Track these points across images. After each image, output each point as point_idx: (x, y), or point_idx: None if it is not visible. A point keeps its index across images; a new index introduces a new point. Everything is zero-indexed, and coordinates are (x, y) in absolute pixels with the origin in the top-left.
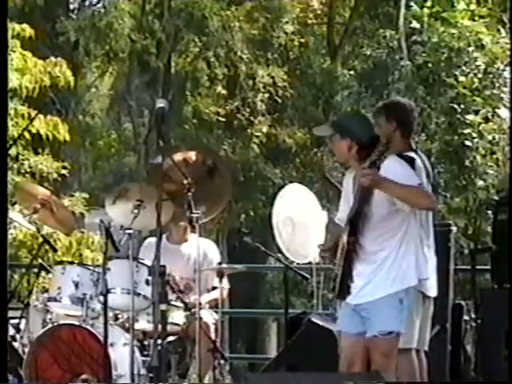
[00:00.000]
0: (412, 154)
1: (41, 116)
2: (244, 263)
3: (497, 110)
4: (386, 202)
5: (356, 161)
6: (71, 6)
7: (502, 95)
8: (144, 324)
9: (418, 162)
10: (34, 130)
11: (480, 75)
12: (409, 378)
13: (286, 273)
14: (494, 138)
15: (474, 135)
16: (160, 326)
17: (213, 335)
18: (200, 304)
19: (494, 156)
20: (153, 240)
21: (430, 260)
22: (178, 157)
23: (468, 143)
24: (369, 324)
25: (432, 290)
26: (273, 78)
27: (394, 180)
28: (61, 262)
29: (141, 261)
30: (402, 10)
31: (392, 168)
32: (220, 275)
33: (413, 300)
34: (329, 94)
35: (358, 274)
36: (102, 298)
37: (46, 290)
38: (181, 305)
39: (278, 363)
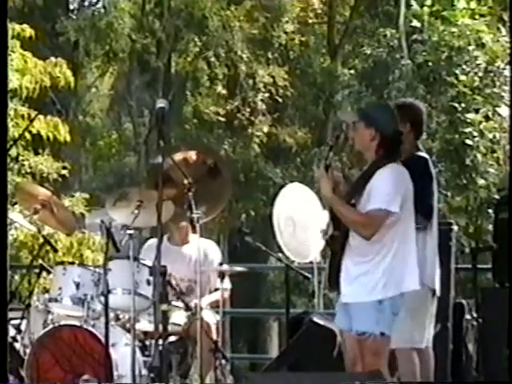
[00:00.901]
0: (424, 155)
1: (41, 116)
2: (245, 263)
3: (497, 109)
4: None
5: (374, 152)
6: (71, 6)
7: (503, 94)
8: (145, 324)
9: (430, 162)
10: (34, 131)
11: (480, 74)
12: (412, 378)
13: (287, 272)
14: (494, 137)
15: (475, 134)
16: (161, 327)
17: (214, 335)
18: (201, 308)
19: (495, 155)
20: (153, 242)
21: (433, 259)
22: (178, 157)
23: (469, 142)
24: (352, 323)
25: (438, 289)
26: (273, 77)
27: (371, 192)
28: (61, 263)
29: (142, 261)
30: (402, 9)
31: (381, 179)
32: (221, 276)
33: (412, 299)
34: (329, 94)
35: (345, 273)
36: (102, 299)
37: (47, 291)
38: (182, 305)
39: (279, 363)
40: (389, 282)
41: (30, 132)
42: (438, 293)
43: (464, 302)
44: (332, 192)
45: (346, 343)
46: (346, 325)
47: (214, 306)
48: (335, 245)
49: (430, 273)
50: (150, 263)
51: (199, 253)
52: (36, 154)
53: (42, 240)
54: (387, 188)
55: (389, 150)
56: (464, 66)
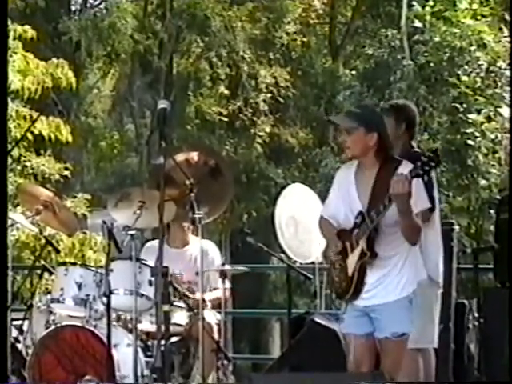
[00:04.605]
0: (418, 151)
1: (43, 117)
2: (247, 263)
3: (499, 109)
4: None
5: (374, 157)
6: (73, 8)
7: (505, 94)
8: (147, 325)
9: None
10: (36, 132)
11: (482, 74)
12: (428, 378)
13: (288, 273)
14: (496, 137)
15: (477, 134)
16: (163, 327)
17: (216, 335)
18: (204, 301)
19: (497, 155)
20: (152, 244)
21: (435, 252)
22: (180, 157)
23: (470, 142)
24: (378, 325)
25: (441, 283)
26: (275, 77)
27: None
28: (63, 263)
29: (143, 261)
30: (404, 10)
31: (418, 186)
32: (223, 276)
33: (427, 298)
34: (331, 94)
35: (369, 277)
36: (104, 299)
37: (49, 292)
38: (184, 305)
39: (281, 363)
40: (413, 275)
41: (31, 133)
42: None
43: (466, 302)
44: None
45: (354, 346)
46: (364, 328)
47: (216, 304)
48: (366, 259)
49: (433, 266)
50: (151, 264)
51: (200, 254)
52: (38, 154)
53: (43, 241)
54: (415, 188)
55: (388, 153)
56: (466, 67)
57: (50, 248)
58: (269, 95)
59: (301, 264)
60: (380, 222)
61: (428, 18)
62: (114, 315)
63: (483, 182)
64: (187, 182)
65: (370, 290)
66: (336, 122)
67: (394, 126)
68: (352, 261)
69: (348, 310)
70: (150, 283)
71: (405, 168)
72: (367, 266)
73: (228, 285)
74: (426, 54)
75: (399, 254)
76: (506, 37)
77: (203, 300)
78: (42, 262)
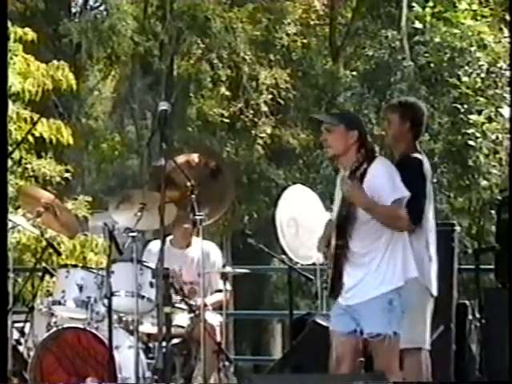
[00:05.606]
0: (418, 156)
1: (44, 119)
2: (248, 264)
3: (500, 110)
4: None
5: (354, 154)
6: (73, 10)
7: (505, 95)
8: (148, 326)
9: (425, 164)
10: (37, 134)
11: (483, 75)
12: (417, 378)
13: (290, 274)
14: (497, 138)
15: (478, 135)
16: (164, 329)
17: (217, 337)
18: (205, 305)
19: (498, 155)
20: (153, 246)
21: (431, 259)
22: (180, 159)
23: (471, 143)
24: (359, 325)
25: (435, 289)
26: (276, 79)
27: (378, 188)
28: (65, 266)
29: (144, 263)
30: (404, 11)
31: (379, 174)
32: (224, 278)
33: (410, 299)
34: (331, 95)
35: (348, 276)
36: (106, 301)
37: (51, 294)
38: (185, 307)
39: (282, 364)
40: (394, 272)
41: (32, 135)
42: (434, 293)
43: (467, 302)
44: (366, 196)
45: (336, 344)
46: (347, 327)
47: (217, 307)
48: (340, 253)
49: (425, 276)
50: (152, 265)
51: (201, 255)
52: (39, 157)
53: (45, 243)
54: (388, 178)
55: (368, 149)
56: (466, 68)
57: (51, 250)
58: (269, 96)
59: (302, 265)
60: (354, 217)
61: (428, 18)
62: (115, 317)
63: (484, 183)
64: (188, 184)
65: (349, 290)
66: (318, 118)
67: (398, 122)
68: (331, 256)
69: (334, 307)
70: (151, 285)
71: (375, 164)
72: (344, 263)
73: (229, 287)
74: (426, 55)
75: (375, 251)
76: (506, 37)
77: (204, 305)
78: (43, 264)
